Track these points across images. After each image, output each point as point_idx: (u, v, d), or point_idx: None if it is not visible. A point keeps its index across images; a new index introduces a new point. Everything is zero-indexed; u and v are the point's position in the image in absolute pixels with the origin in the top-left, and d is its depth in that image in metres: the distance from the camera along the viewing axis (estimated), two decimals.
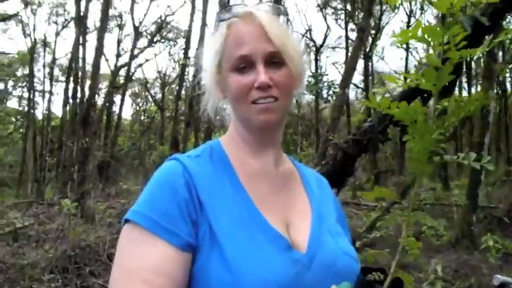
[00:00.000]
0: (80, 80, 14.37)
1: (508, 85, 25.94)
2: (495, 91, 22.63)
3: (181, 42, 25.90)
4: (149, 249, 0.88)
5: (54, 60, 26.09)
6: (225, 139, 1.09)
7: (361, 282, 0.82)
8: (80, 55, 15.15)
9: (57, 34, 25.01)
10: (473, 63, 21.36)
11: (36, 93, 27.04)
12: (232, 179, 1.00)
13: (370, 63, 24.45)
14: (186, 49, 18.35)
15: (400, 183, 13.87)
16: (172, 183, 0.93)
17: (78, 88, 14.41)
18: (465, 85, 23.96)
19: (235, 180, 1.00)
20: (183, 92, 20.61)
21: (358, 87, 24.99)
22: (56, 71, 28.25)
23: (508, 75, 24.66)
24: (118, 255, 0.91)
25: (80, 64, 15.24)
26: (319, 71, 19.53)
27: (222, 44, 1.02)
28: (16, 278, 4.54)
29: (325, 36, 25.00)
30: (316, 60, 24.81)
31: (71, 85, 16.02)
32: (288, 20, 1.10)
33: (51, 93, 27.28)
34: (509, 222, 10.00)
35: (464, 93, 23.27)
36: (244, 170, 1.03)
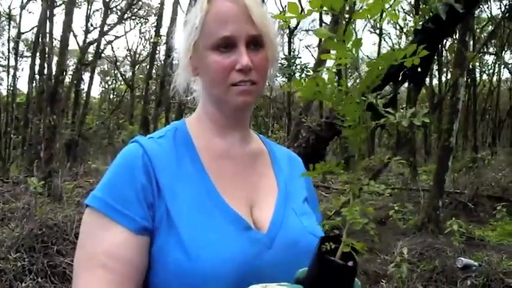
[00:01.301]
0: (47, 55, 13.92)
1: (478, 74, 26.65)
2: (465, 79, 23.23)
3: (152, 19, 25.44)
4: (106, 234, 0.90)
5: (19, 34, 25.15)
6: (191, 119, 1.08)
7: (315, 255, 0.81)
8: (47, 30, 14.68)
9: (23, 7, 24.09)
10: (444, 51, 21.72)
11: (0, 69, 26.18)
12: (194, 160, 0.99)
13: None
14: (158, 27, 18.02)
15: (370, 168, 14.10)
16: (130, 167, 0.93)
17: (45, 64, 13.98)
18: (436, 73, 24.42)
19: (196, 162, 0.99)
20: (153, 71, 20.33)
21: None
22: (22, 46, 27.31)
23: (477, 64, 25.30)
24: (80, 237, 0.93)
25: (47, 39, 14.77)
26: (292, 53, 19.48)
27: (202, 20, 0.98)
28: None
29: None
30: (290, 42, 24.77)
31: (38, 61, 15.54)
32: (263, 0, 1.08)
33: (16, 68, 26.34)
34: (473, 208, 10.35)
35: (435, 81, 23.75)
36: (209, 151, 1.02)
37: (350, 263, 0.79)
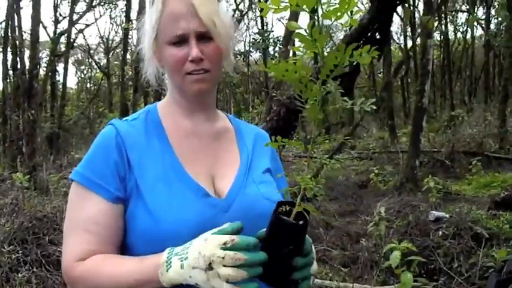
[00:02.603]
0: (18, 50, 13.74)
1: (451, 33, 26.80)
2: (437, 39, 23.37)
3: (121, 4, 24.99)
4: (87, 203, 1.09)
5: None
6: (162, 103, 1.25)
7: (272, 215, 0.95)
8: (16, 24, 14.44)
9: None
10: (416, 13, 21.82)
11: None
12: (162, 138, 1.16)
13: (316, 17, 24.43)
14: (127, 11, 17.82)
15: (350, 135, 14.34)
16: (105, 146, 1.11)
17: (18, 59, 13.79)
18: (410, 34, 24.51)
19: (164, 140, 1.16)
20: (128, 56, 20.13)
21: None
22: None
23: (450, 22, 25.42)
24: (67, 208, 1.14)
25: (17, 33, 14.54)
26: (265, 28, 19.45)
27: (158, 20, 1.15)
28: None
29: None
30: (262, 17, 24.62)
31: (9, 56, 15.31)
32: None
33: None
34: (450, 165, 10.67)
35: (410, 43, 23.86)
36: (176, 130, 1.19)
37: (301, 222, 0.94)
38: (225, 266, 0.89)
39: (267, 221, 0.96)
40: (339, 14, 0.86)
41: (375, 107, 0.92)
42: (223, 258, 0.89)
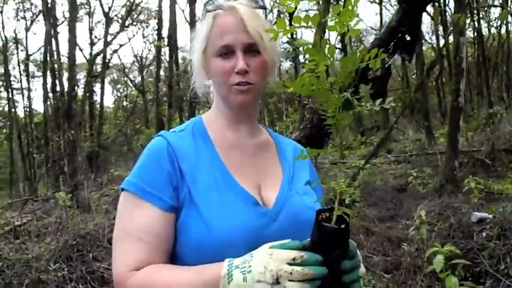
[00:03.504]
0: (57, 73, 14.24)
1: (485, 29, 26.08)
2: (470, 36, 22.79)
3: (153, 23, 25.58)
4: (139, 212, 1.09)
5: (27, 56, 25.60)
6: (207, 115, 1.28)
7: (313, 224, 0.97)
8: (54, 48, 14.98)
9: (27, 29, 24.53)
10: (448, 10, 21.38)
11: (15, 92, 26.70)
12: (210, 149, 1.19)
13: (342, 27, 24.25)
14: (159, 29, 18.20)
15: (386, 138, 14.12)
16: (157, 157, 1.13)
17: (57, 81, 14.29)
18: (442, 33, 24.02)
19: (212, 151, 1.19)
20: (161, 73, 20.52)
21: (336, 48, 24.91)
22: (31, 67, 27.78)
23: (482, 18, 24.78)
24: (117, 217, 1.13)
25: (55, 57, 15.08)
26: (294, 36, 19.48)
27: (208, 33, 1.18)
28: (23, 272, 4.70)
29: None
30: (290, 25, 24.62)
31: (49, 79, 15.90)
32: (265, 11, 1.25)
33: (29, 89, 26.94)
34: (491, 164, 10.35)
35: (442, 42, 23.38)
36: (222, 142, 1.22)
37: (342, 226, 0.95)
38: (291, 280, 0.91)
39: (309, 229, 0.98)
40: (343, 24, 0.88)
41: (393, 104, 0.93)
42: (290, 273, 0.91)
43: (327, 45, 0.89)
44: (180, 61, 17.37)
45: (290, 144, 1.35)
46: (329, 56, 0.90)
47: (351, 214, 0.97)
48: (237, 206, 1.09)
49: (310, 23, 0.88)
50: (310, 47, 0.90)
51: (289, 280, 0.91)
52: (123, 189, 1.13)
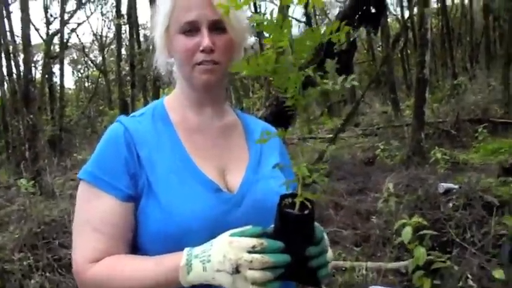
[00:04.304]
0: (12, 55, 13.68)
1: (449, 0, 26.38)
2: (435, 7, 23.03)
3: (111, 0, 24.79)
4: (96, 202, 1.06)
5: None
6: (169, 97, 1.22)
7: (276, 210, 0.93)
8: (7, 28, 14.35)
9: None
10: None
11: None
12: (171, 133, 1.13)
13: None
14: (118, 6, 17.59)
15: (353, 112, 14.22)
16: (114, 144, 1.08)
17: (13, 64, 13.75)
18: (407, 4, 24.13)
19: (173, 135, 1.13)
20: (123, 52, 20.01)
21: (299, 21, 24.87)
22: None
23: None
24: (76, 208, 1.11)
25: (9, 38, 14.47)
26: (258, 10, 19.26)
27: (171, 8, 1.11)
28: None
29: None
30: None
31: (4, 62, 15.25)
32: None
33: None
34: (456, 134, 10.58)
35: (407, 14, 23.54)
36: (185, 125, 1.15)
37: (305, 212, 0.92)
38: (251, 269, 0.89)
39: (273, 214, 0.95)
40: None
41: (356, 83, 0.90)
42: (250, 261, 0.89)
43: (282, 19, 0.83)
44: (142, 39, 16.94)
45: (259, 125, 1.29)
46: (286, 31, 0.84)
47: (314, 197, 0.93)
48: (197, 192, 1.05)
49: None
50: (266, 23, 0.84)
51: (250, 268, 0.89)
52: (80, 179, 1.09)
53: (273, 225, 0.95)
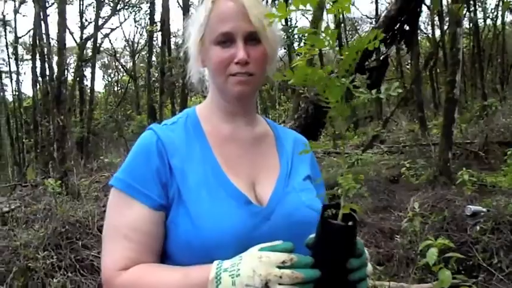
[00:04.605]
0: (46, 57, 14.02)
1: (481, 20, 26.06)
2: (466, 27, 22.77)
3: (145, 7, 25.23)
4: (127, 209, 1.06)
5: (16, 38, 25.20)
6: (200, 106, 1.21)
7: (319, 220, 0.92)
8: (43, 31, 14.73)
9: (16, 11, 24.07)
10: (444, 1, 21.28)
11: (3, 75, 26.31)
12: (203, 143, 1.13)
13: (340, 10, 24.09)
14: (151, 14, 17.95)
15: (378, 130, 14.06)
16: (146, 152, 1.08)
17: (46, 65, 14.09)
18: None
19: (205, 144, 1.13)
20: (153, 58, 20.31)
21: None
22: (20, 50, 27.42)
23: (480, 9, 24.76)
24: (106, 214, 1.09)
25: (44, 40, 14.83)
26: (289, 23, 19.35)
27: (206, 18, 1.12)
28: (11, 259, 4.62)
29: None
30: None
31: (38, 63, 15.62)
32: None
33: (18, 73, 26.54)
34: (484, 156, 10.36)
35: (438, 33, 23.32)
36: (216, 135, 1.15)
37: (350, 223, 0.91)
38: (281, 284, 0.88)
39: (308, 229, 0.95)
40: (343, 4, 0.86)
41: (400, 90, 0.90)
42: (280, 277, 0.88)
43: (329, 30, 0.85)
44: (173, 47, 17.21)
45: (290, 136, 1.28)
46: (330, 41, 0.86)
47: (359, 210, 0.92)
48: (227, 204, 1.04)
49: (308, 6, 0.85)
50: (311, 34, 0.86)
51: (279, 284, 0.88)
52: (111, 186, 1.09)
53: (312, 236, 0.94)
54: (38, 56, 16.76)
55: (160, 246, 1.07)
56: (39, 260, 4.61)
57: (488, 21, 27.48)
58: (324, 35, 0.85)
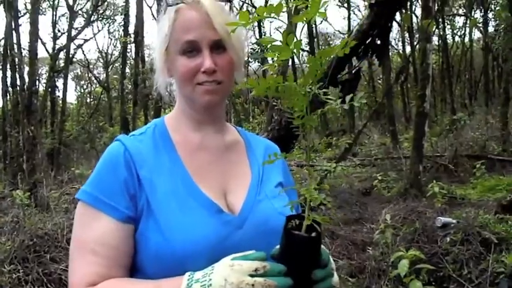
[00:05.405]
0: (17, 66, 13.75)
1: (449, 37, 26.82)
2: (436, 43, 23.39)
3: (119, 18, 25.12)
4: (94, 223, 1.03)
5: None
6: (169, 116, 1.20)
7: (282, 232, 0.92)
8: (14, 40, 14.46)
9: None
10: (414, 17, 21.81)
11: None
12: (171, 153, 1.11)
13: (314, 25, 24.54)
14: (126, 25, 17.86)
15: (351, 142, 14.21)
16: (113, 164, 1.06)
17: (17, 75, 13.81)
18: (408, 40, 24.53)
19: (173, 154, 1.11)
20: (127, 70, 20.17)
21: (303, 50, 25.14)
22: None
23: (448, 27, 25.45)
24: (73, 229, 1.06)
25: (16, 50, 14.56)
26: (263, 37, 19.47)
27: (170, 28, 1.10)
28: None
29: (266, 1, 24.80)
30: (260, 26, 24.69)
31: (9, 73, 15.31)
32: (231, 5, 1.17)
33: None
34: (454, 169, 10.58)
35: (408, 49, 23.87)
36: (185, 144, 1.14)
37: (313, 234, 0.90)
38: None
39: (278, 236, 0.94)
40: (310, 14, 0.84)
41: (365, 101, 0.90)
42: (252, 285, 0.87)
43: (292, 39, 0.84)
44: (147, 58, 17.11)
45: (261, 143, 1.28)
46: (295, 51, 0.85)
47: (322, 220, 0.92)
48: (198, 214, 1.02)
49: (273, 14, 0.84)
50: (276, 43, 0.86)
51: None
52: (78, 199, 1.06)
53: (278, 247, 0.93)
54: (8, 66, 16.42)
55: (129, 260, 1.04)
56: (5, 274, 4.48)
57: (457, 38, 28.34)
58: (288, 44, 0.85)
